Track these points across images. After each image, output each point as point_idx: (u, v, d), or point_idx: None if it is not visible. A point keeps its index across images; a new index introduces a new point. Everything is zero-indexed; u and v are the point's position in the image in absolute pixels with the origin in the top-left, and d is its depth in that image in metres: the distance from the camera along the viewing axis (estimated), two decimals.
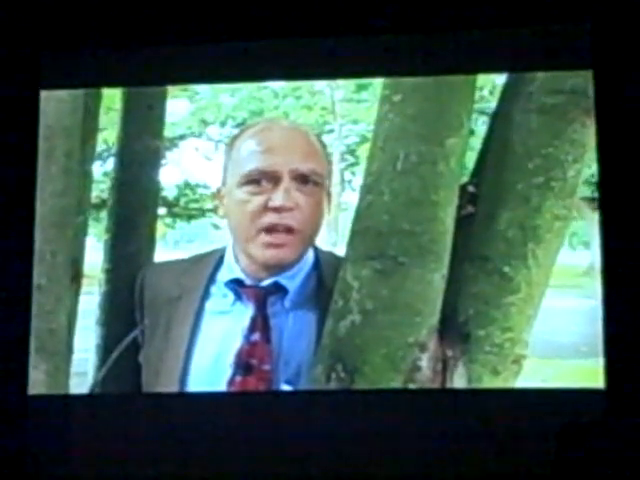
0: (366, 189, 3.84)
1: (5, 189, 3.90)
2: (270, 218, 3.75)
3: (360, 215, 3.83)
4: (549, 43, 3.84)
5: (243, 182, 3.80)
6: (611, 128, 3.78)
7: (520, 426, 3.71)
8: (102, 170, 4.06)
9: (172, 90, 4.13)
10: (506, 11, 3.83)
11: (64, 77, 3.97)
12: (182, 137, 4.11)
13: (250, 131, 3.92)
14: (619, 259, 3.77)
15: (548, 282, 3.80)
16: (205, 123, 4.10)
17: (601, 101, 3.75)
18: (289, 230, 3.76)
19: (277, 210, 3.75)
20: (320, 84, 4.07)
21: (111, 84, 4.02)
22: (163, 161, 4.13)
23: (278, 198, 3.75)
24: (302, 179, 3.78)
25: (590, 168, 3.83)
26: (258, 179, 3.78)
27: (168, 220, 4.09)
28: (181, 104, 4.13)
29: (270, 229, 3.75)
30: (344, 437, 3.70)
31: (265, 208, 3.76)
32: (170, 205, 4.06)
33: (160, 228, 4.08)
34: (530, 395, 3.77)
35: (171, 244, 4.08)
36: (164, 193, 4.09)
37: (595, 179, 3.81)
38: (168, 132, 4.10)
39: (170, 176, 4.11)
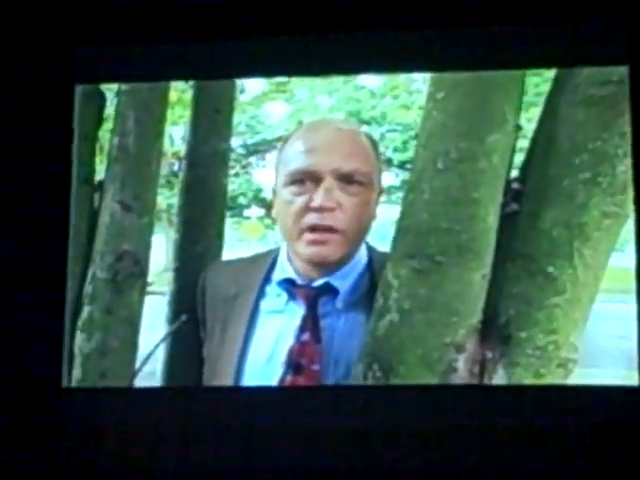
0: (409, 188, 3.81)
1: (40, 185, 4.05)
2: (311, 218, 3.79)
3: (403, 214, 3.80)
4: (586, 38, 3.71)
5: (288, 182, 3.86)
6: None
7: (553, 422, 3.61)
8: (170, 171, 4.20)
9: (269, 92, 4.21)
10: (541, 7, 3.71)
11: (100, 71, 4.12)
12: (280, 139, 4.15)
13: (298, 132, 3.98)
14: None
15: (599, 283, 3.62)
16: (302, 125, 4.14)
17: (637, 96, 3.54)
18: (331, 229, 3.76)
19: (318, 210, 3.78)
20: (418, 83, 4.04)
21: (149, 79, 4.14)
22: (262, 163, 4.21)
23: (318, 198, 3.78)
24: (345, 179, 3.79)
25: None
26: (301, 179, 3.83)
27: (268, 221, 4.16)
28: (278, 106, 4.19)
29: (312, 229, 3.78)
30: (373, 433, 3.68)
31: (307, 208, 3.79)
32: (270, 207, 4.13)
33: (260, 229, 4.16)
34: (564, 392, 3.65)
35: (272, 244, 4.15)
36: (263, 195, 4.17)
37: None
38: (267, 134, 4.18)
39: (270, 178, 4.15)
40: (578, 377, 3.69)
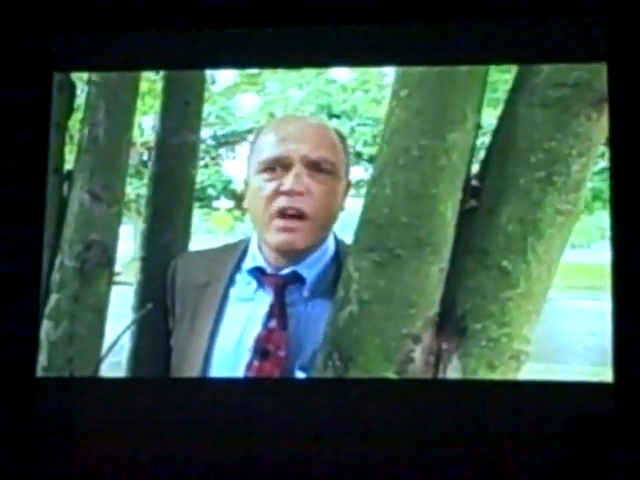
0: (371, 182, 3.91)
1: (18, 173, 4.11)
2: (281, 202, 3.89)
3: (365, 207, 3.91)
4: (561, 35, 3.82)
5: (259, 170, 3.96)
6: (624, 121, 3.69)
7: (526, 420, 3.71)
8: (140, 161, 4.26)
9: (240, 83, 4.28)
10: (517, 2, 3.78)
11: (78, 59, 4.19)
12: (251, 131, 4.21)
13: (271, 125, 4.09)
14: (630, 256, 3.66)
15: (552, 278, 3.75)
16: (273, 117, 4.21)
17: (614, 93, 3.67)
18: (301, 215, 3.89)
19: (287, 194, 3.88)
20: (389, 77, 4.11)
21: (124, 68, 4.20)
22: (231, 154, 4.29)
23: (288, 182, 3.89)
24: (314, 166, 3.91)
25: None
26: (272, 166, 3.93)
27: (237, 213, 4.23)
28: (249, 98, 4.26)
29: (282, 213, 3.89)
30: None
31: (277, 192, 3.90)
32: (239, 198, 4.20)
33: (228, 221, 4.24)
34: (536, 388, 3.76)
35: (240, 236, 4.22)
36: (233, 186, 4.24)
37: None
38: (237, 126, 4.25)
39: (239, 170, 4.22)
40: (542, 372, 3.82)
